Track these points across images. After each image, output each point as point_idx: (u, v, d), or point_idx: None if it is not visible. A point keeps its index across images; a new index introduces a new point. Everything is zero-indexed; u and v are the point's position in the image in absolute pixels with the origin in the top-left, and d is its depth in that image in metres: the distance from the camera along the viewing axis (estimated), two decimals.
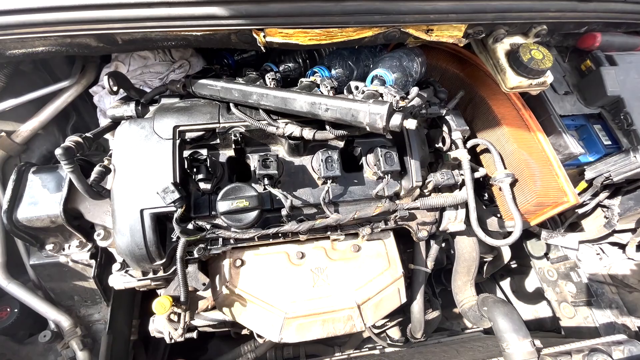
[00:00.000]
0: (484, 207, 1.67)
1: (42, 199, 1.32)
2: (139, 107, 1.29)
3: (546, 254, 2.06)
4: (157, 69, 1.50)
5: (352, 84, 1.18)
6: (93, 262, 1.45)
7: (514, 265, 2.62)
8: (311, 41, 1.10)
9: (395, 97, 1.05)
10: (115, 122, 1.33)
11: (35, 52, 1.07)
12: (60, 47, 1.06)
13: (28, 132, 1.44)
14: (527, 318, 2.52)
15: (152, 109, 1.32)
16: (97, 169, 1.30)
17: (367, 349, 2.14)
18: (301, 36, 1.09)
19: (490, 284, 2.81)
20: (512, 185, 1.31)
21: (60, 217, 1.28)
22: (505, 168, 1.34)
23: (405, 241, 1.71)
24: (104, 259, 1.49)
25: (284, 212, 1.22)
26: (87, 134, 1.29)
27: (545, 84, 1.27)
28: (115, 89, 1.25)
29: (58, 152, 1.14)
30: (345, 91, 1.19)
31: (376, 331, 1.95)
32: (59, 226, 1.34)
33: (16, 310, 1.49)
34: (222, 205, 1.14)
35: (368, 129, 1.04)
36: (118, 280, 1.27)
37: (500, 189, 1.36)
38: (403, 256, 1.83)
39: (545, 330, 2.42)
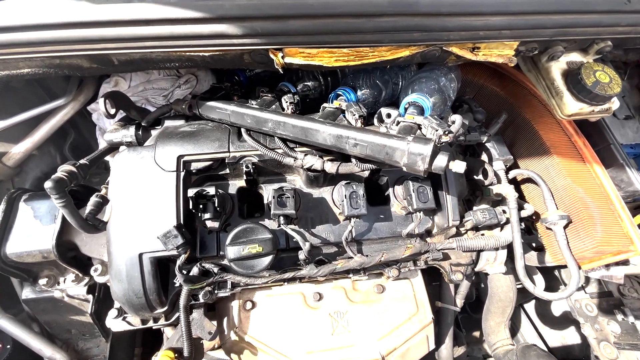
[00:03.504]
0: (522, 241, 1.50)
1: (33, 232, 1.19)
2: (140, 132, 1.14)
3: (583, 286, 1.87)
4: (161, 84, 1.35)
5: (384, 111, 1.01)
6: (90, 297, 1.32)
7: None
8: (337, 62, 0.93)
9: (437, 130, 0.88)
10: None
11: (20, 74, 0.93)
12: (48, 68, 0.92)
13: (21, 154, 1.32)
14: (554, 345, 2.34)
15: (154, 133, 1.18)
16: (93, 199, 1.16)
17: None
18: (326, 57, 0.92)
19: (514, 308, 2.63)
20: (566, 227, 1.13)
21: (52, 252, 1.16)
22: (556, 206, 1.16)
23: (430, 271, 1.55)
24: (102, 293, 1.37)
25: (301, 255, 1.07)
26: (83, 161, 1.15)
27: (609, 110, 1.08)
28: (112, 112, 1.11)
29: (48, 185, 1.01)
30: (375, 120, 1.02)
31: None
32: (53, 260, 1.21)
33: (9, 346, 1.37)
34: (232, 251, 0.99)
35: (405, 169, 0.88)
36: (116, 325, 1.14)
37: (549, 229, 1.19)
38: (428, 289, 1.67)
39: (574, 359, 2.24)
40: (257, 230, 1.03)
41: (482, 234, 1.23)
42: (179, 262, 0.97)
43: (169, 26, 0.82)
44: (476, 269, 1.28)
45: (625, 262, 1.75)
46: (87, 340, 1.50)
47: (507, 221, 1.16)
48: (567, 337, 2.33)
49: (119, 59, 0.91)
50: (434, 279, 1.59)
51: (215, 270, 1.07)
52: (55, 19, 0.81)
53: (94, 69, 0.95)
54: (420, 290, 1.30)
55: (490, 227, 1.23)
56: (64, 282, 1.31)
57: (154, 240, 0.99)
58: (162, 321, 1.11)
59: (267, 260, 1.01)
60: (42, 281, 1.28)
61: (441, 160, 0.82)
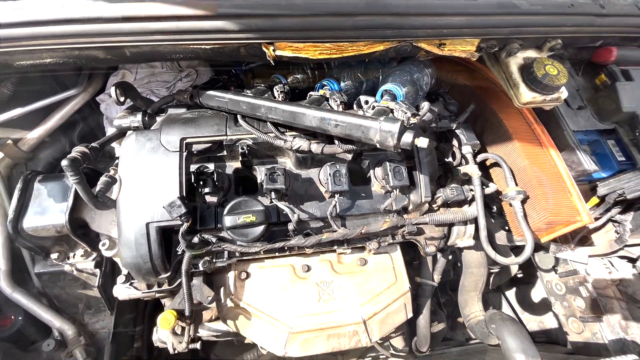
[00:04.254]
0: (492, 221, 1.65)
1: (47, 209, 1.31)
2: (146, 118, 1.27)
3: (554, 267, 2.03)
4: (164, 77, 1.49)
5: (362, 98, 1.16)
6: (98, 271, 1.44)
7: (520, 275, 2.58)
8: (321, 55, 1.08)
9: (406, 113, 1.03)
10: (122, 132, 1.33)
11: (43, 64, 1.06)
12: (68, 58, 1.05)
13: (34, 140, 1.44)
14: (533, 329, 2.49)
15: (159, 119, 1.31)
16: (103, 179, 1.28)
17: (370, 358, 2.12)
18: (311, 50, 1.07)
19: (495, 294, 2.78)
20: (524, 202, 1.28)
21: (65, 227, 1.28)
22: (516, 184, 1.32)
23: (409, 250, 1.69)
24: (108, 268, 1.49)
25: (290, 226, 1.21)
26: (94, 144, 1.28)
27: (559, 99, 1.24)
28: (122, 99, 1.24)
29: (64, 163, 1.13)
30: (355, 106, 1.17)
31: (380, 340, 1.93)
32: (64, 235, 1.33)
33: (20, 318, 1.48)
34: (229, 220, 1.12)
35: (378, 146, 1.02)
36: (122, 291, 1.26)
37: (510, 205, 1.34)
38: (409, 268, 1.81)
39: (552, 342, 2.39)
40: (250, 203, 1.16)
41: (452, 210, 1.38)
42: (182, 229, 1.10)
43: (176, 22, 0.96)
44: (449, 243, 1.43)
45: (590, 244, 1.92)
46: (92, 315, 1.61)
47: (474, 197, 1.31)
48: (546, 321, 2.48)
49: (131, 51, 1.05)
50: (414, 258, 1.74)
51: (214, 240, 1.20)
52: (77, 15, 0.94)
53: (108, 60, 1.08)
54: (399, 263, 1.44)
55: (459, 204, 1.38)
56: (74, 257, 1.43)
57: (160, 211, 1.12)
58: (165, 286, 1.24)
59: (259, 229, 1.15)
60: (54, 256, 1.40)
61: (407, 137, 0.96)
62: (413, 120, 1.02)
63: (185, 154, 1.19)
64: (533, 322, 2.52)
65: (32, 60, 1.05)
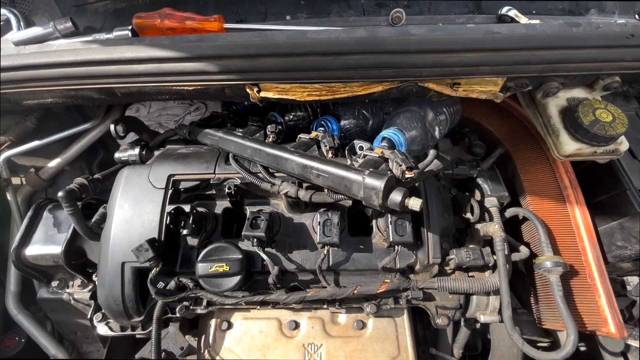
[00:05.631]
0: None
1: (50, 238, 1.35)
2: (143, 152, 1.27)
3: (623, 353, 1.59)
4: (175, 111, 1.50)
5: (357, 143, 1.02)
6: (92, 302, 1.43)
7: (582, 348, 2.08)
8: (310, 97, 0.98)
9: (401, 166, 0.86)
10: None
11: (46, 103, 1.11)
12: (66, 98, 1.09)
13: (54, 168, 1.52)
14: None
15: (156, 153, 1.30)
16: (100, 210, 1.30)
17: None
18: (299, 91, 0.97)
19: None
20: (565, 278, 1.00)
21: (61, 258, 1.29)
22: (557, 252, 1.04)
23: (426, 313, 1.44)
24: None
25: (269, 279, 1.08)
26: (97, 175, 1.31)
27: (617, 152, 0.97)
28: (122, 134, 1.25)
29: (60, 194, 1.15)
30: (346, 152, 1.03)
31: None
32: (62, 265, 1.35)
33: (23, 340, 1.53)
34: (201, 268, 1.03)
35: (364, 203, 0.87)
36: (102, 328, 1.23)
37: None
38: (426, 334, 1.55)
39: None
40: (228, 250, 1.06)
41: (472, 276, 1.14)
42: (150, 275, 1.03)
43: (157, 64, 0.93)
44: (468, 315, 1.17)
45: None
46: (89, 344, 1.61)
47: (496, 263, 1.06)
48: None
49: (121, 91, 1.05)
50: (430, 322, 1.48)
51: (191, 285, 1.11)
52: (69, 59, 0.96)
53: (102, 99, 1.10)
54: (404, 331, 1.22)
55: (481, 269, 1.14)
56: (72, 286, 1.44)
57: None
58: (139, 330, 1.17)
59: (234, 280, 1.04)
60: (54, 283, 1.43)
61: (396, 196, 0.80)
62: (409, 175, 0.85)
63: (170, 192, 1.15)
64: None
65: (36, 100, 1.10)
